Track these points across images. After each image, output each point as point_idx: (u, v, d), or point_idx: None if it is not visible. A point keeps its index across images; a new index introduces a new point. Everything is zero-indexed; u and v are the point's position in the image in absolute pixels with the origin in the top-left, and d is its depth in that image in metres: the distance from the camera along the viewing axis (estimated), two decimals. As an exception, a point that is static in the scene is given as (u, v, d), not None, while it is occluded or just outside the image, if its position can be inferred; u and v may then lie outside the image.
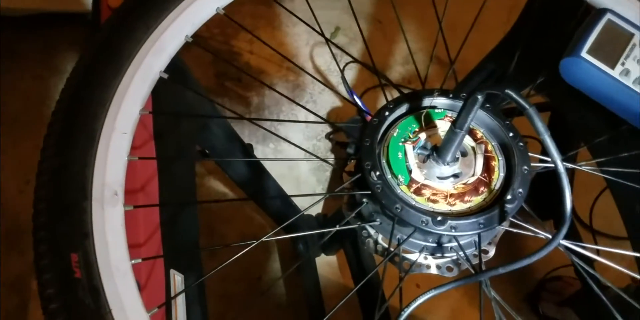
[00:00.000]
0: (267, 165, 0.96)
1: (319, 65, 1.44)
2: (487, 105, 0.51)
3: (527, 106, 0.39)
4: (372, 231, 0.52)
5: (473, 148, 0.49)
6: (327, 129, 1.32)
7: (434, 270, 0.51)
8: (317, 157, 0.53)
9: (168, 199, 0.53)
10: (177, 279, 0.49)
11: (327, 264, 1.16)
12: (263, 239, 0.46)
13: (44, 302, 0.40)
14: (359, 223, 0.51)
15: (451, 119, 0.50)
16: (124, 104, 0.48)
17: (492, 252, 0.51)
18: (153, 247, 0.49)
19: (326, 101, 1.37)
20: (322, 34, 0.58)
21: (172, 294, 0.48)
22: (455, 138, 0.45)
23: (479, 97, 0.41)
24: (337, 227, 0.49)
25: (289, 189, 1.11)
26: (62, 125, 0.47)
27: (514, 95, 0.39)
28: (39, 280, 0.42)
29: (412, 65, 1.44)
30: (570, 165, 0.51)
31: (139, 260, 0.44)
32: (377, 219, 0.49)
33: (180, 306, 0.49)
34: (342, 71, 1.37)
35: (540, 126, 0.39)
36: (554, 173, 0.40)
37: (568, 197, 0.39)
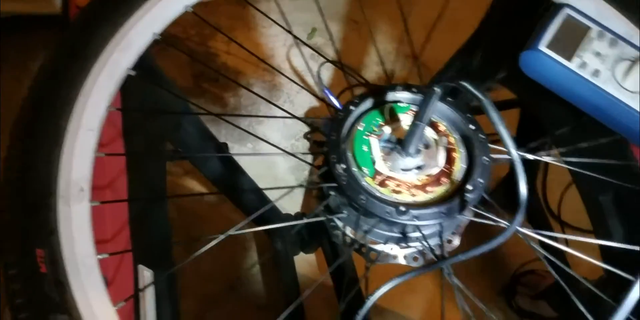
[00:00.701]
0: (245, 165, 0.97)
1: (296, 66, 1.44)
2: (449, 99, 0.52)
3: (481, 97, 0.40)
4: (340, 224, 0.53)
5: (436, 141, 0.50)
6: (305, 128, 1.33)
7: (401, 261, 0.52)
8: (285, 152, 0.54)
9: (137, 195, 0.53)
10: (146, 274, 0.50)
11: (306, 262, 1.16)
12: (230, 232, 0.46)
13: (9, 297, 0.40)
14: (326, 215, 0.52)
15: (414, 113, 0.51)
16: (90, 101, 0.49)
17: (456, 241, 0.52)
18: (121, 243, 0.50)
19: (304, 101, 1.38)
20: (290, 32, 0.59)
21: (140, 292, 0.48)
22: (416, 130, 0.46)
23: (437, 90, 0.42)
24: (305, 220, 0.50)
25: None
26: (28, 122, 0.47)
27: (468, 87, 0.41)
28: (4, 276, 0.42)
29: (390, 64, 1.46)
30: (529, 156, 0.53)
31: (106, 255, 0.44)
32: (344, 211, 0.50)
33: (149, 301, 0.49)
34: (318, 72, 1.38)
35: (494, 116, 0.40)
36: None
37: (522, 184, 0.40)
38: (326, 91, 1.22)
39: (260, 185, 0.96)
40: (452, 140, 0.51)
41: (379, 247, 0.52)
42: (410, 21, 1.34)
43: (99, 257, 0.44)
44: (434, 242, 0.50)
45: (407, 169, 0.49)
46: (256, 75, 1.42)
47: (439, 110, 0.52)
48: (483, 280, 1.14)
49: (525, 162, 0.42)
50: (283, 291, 1.05)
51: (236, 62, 1.44)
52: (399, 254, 0.52)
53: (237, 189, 0.84)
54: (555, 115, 0.61)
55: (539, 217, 1.01)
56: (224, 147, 0.90)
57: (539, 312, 1.04)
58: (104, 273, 0.44)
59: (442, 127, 0.51)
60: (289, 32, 0.60)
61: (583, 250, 0.51)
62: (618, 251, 0.58)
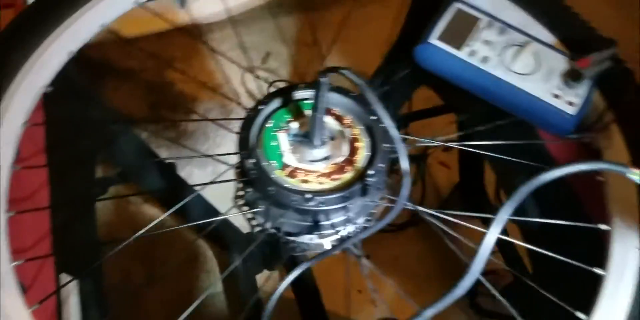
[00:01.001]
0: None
1: (252, 89, 1.48)
2: (352, 93, 0.55)
3: (359, 82, 0.43)
4: (261, 220, 0.54)
5: (341, 132, 0.53)
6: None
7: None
8: (207, 155, 0.56)
9: (59, 206, 0.55)
10: (67, 280, 0.51)
11: (271, 279, 1.17)
12: (141, 233, 0.48)
13: None
14: (246, 209, 0.53)
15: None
16: (6, 117, 0.51)
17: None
18: (42, 251, 0.51)
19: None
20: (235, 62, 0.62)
21: (62, 297, 0.49)
22: (316, 121, 0.49)
23: (323, 80, 0.45)
24: (222, 216, 0.52)
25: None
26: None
27: (348, 74, 0.43)
28: None
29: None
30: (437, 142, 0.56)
31: (21, 262, 0.45)
32: (261, 205, 0.52)
33: (73, 308, 0.50)
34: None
35: (372, 98, 0.43)
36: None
37: (404, 160, 0.43)
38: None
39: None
40: (356, 131, 0.53)
41: (301, 239, 0.54)
42: (358, 41, 1.39)
43: (15, 263, 0.45)
44: (348, 228, 0.52)
45: (315, 160, 0.51)
46: (214, 101, 1.45)
47: (344, 105, 0.55)
48: (445, 282, 1.15)
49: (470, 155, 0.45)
50: (245, 311, 1.05)
51: (193, 88, 1.47)
52: (325, 242, 0.54)
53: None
54: (463, 105, 0.64)
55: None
56: (172, 167, 0.92)
57: (500, 311, 1.05)
58: (22, 279, 0.45)
59: (347, 120, 0.54)
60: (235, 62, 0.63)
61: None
62: (535, 231, 0.61)
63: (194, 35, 1.39)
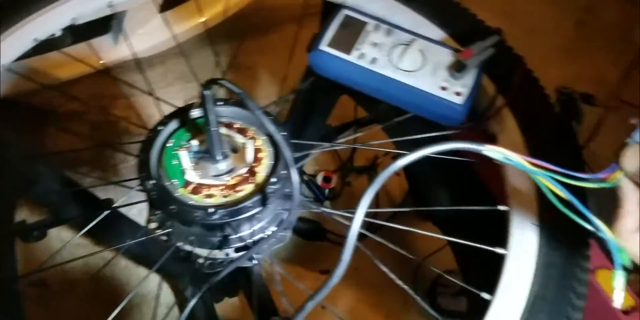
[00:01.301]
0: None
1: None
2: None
3: (238, 91, 0.44)
4: (174, 240, 0.54)
5: (243, 144, 0.54)
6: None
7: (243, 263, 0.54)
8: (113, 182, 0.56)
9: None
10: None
11: (230, 305, 1.16)
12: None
13: None
14: (157, 231, 0.53)
15: (224, 124, 0.55)
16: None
17: (288, 234, 0.55)
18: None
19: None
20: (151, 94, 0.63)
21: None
22: (212, 135, 0.50)
23: (206, 93, 0.46)
24: (130, 241, 0.52)
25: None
26: None
27: (226, 84, 0.45)
28: None
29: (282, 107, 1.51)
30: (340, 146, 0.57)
31: None
32: (168, 225, 0.52)
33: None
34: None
35: (250, 104, 0.44)
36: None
37: (289, 158, 0.44)
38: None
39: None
40: (259, 142, 0.54)
41: (217, 255, 0.54)
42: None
43: None
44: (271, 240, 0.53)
45: (219, 174, 0.52)
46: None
47: (246, 117, 0.56)
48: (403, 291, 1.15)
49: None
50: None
51: (134, 127, 1.47)
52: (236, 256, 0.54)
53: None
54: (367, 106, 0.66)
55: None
56: (107, 202, 0.91)
57: (461, 309, 1.06)
58: None
59: (250, 132, 0.55)
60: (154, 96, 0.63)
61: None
62: (445, 216, 0.62)
63: (112, 75, 1.38)
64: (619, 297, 0.34)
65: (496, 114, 0.55)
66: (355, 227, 0.36)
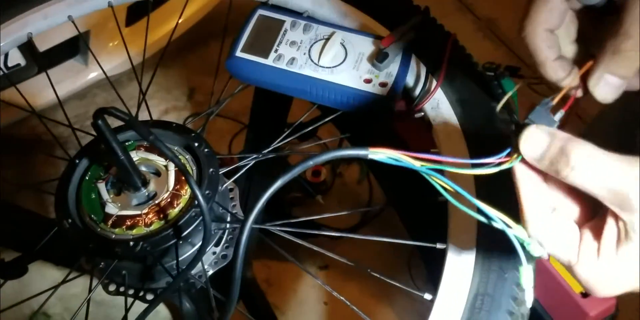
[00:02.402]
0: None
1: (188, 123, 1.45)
2: (174, 124, 0.53)
3: (125, 117, 0.41)
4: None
5: (165, 166, 0.51)
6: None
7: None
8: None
9: None
10: None
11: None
12: None
13: None
14: (89, 268, 0.51)
15: (144, 147, 0.52)
16: None
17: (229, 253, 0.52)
18: None
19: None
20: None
21: None
22: (121, 163, 0.47)
23: (99, 122, 0.43)
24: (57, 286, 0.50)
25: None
26: None
27: (115, 112, 0.42)
28: None
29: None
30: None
31: None
32: (98, 263, 0.50)
33: None
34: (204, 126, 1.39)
35: (141, 130, 0.41)
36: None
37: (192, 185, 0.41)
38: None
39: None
40: (183, 161, 0.51)
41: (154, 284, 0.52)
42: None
43: None
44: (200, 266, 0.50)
45: (142, 202, 0.49)
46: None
47: (166, 136, 0.53)
48: (407, 280, 1.12)
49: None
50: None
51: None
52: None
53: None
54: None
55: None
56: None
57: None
58: None
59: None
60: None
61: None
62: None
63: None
64: (530, 297, 0.31)
65: (428, 98, 0.51)
66: (240, 250, 0.33)
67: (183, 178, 0.50)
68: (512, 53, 1.41)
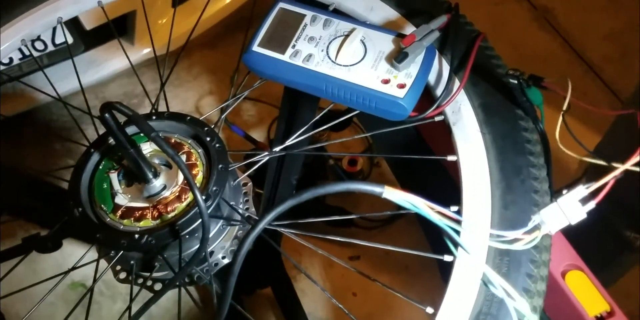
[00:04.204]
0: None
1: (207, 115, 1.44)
2: (189, 117, 0.53)
3: (129, 113, 0.41)
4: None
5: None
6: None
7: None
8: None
9: None
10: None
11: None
12: None
13: None
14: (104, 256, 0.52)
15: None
16: None
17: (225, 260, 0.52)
18: None
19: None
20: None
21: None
22: (131, 156, 0.47)
23: (107, 116, 0.43)
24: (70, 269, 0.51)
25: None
26: None
27: (121, 107, 0.42)
28: None
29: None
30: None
31: None
32: (107, 252, 0.51)
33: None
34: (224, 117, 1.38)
35: (144, 126, 0.41)
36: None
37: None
38: (235, 128, 1.25)
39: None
40: (194, 155, 0.51)
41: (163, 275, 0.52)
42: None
43: None
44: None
45: (152, 195, 0.49)
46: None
47: (183, 130, 0.53)
48: (435, 274, 1.10)
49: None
50: None
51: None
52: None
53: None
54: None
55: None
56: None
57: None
58: None
59: (185, 146, 0.52)
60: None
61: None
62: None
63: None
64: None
65: (449, 101, 0.48)
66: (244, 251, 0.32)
67: (195, 172, 0.50)
68: (568, 46, 1.33)
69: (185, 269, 0.45)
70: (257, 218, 0.53)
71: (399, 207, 0.33)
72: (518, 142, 0.43)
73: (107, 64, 1.36)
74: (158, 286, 0.52)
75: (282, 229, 0.49)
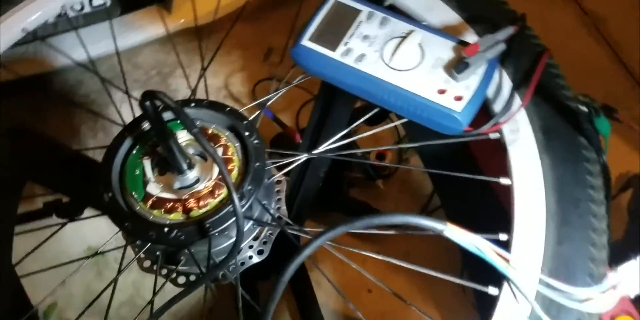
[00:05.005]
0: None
1: (236, 93, 1.42)
2: (228, 108, 0.51)
3: (173, 105, 0.39)
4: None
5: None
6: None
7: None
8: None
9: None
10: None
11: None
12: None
13: None
14: (126, 243, 0.51)
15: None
16: None
17: (255, 258, 0.51)
18: None
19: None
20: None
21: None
22: (169, 146, 0.45)
23: (147, 105, 0.41)
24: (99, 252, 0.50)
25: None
26: None
27: (163, 98, 0.40)
28: None
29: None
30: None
31: None
32: (134, 241, 0.50)
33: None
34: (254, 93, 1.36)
35: (187, 121, 0.39)
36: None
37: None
38: (266, 111, 1.22)
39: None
40: (231, 150, 0.49)
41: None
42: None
43: None
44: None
45: (184, 186, 0.48)
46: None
47: (222, 120, 0.51)
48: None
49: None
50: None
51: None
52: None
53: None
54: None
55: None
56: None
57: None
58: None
59: (222, 138, 0.50)
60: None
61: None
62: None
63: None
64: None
65: (508, 119, 0.46)
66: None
67: (230, 167, 0.48)
68: (617, 58, 1.27)
69: (214, 270, 0.43)
70: (288, 220, 0.51)
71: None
72: (579, 172, 0.41)
73: (141, 30, 1.34)
74: (181, 279, 0.51)
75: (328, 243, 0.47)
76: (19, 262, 0.59)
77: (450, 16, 0.52)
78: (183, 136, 0.50)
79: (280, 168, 0.54)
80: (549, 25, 1.33)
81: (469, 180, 0.44)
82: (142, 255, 0.51)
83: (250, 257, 0.51)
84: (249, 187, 0.46)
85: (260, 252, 0.52)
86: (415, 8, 0.54)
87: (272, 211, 0.51)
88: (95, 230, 1.11)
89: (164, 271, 0.51)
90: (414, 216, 0.27)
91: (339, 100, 0.65)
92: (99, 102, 1.39)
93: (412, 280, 1.11)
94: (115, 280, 0.48)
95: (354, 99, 0.65)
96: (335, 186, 1.12)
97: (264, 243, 0.52)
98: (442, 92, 0.45)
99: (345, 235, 1.15)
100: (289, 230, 0.48)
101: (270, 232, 0.52)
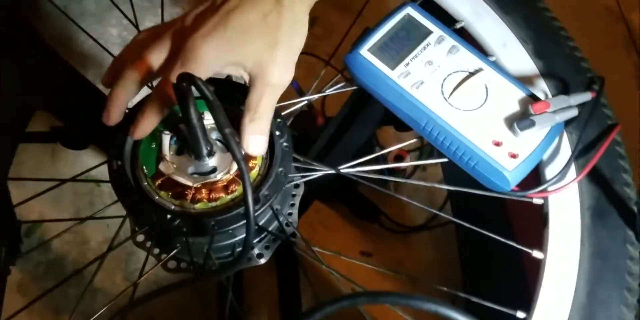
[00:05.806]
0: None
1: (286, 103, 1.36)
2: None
3: (209, 95, 0.36)
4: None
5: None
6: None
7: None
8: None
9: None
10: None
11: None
12: None
13: None
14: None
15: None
16: None
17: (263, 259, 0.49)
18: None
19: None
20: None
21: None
22: (193, 131, 0.42)
23: (182, 87, 0.38)
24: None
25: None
26: None
27: (201, 85, 0.36)
28: None
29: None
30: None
31: None
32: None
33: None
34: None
35: (218, 114, 0.36)
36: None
37: (248, 186, 0.36)
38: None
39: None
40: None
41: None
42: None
43: None
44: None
45: (199, 173, 0.45)
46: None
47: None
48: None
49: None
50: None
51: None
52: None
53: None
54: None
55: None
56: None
57: None
58: None
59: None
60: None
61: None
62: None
63: None
64: None
65: (558, 189, 0.42)
66: None
67: (252, 164, 0.45)
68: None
69: (209, 277, 0.41)
70: (296, 231, 0.49)
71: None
72: (619, 269, 0.38)
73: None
74: (172, 264, 0.49)
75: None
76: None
77: (523, 59, 0.48)
78: (210, 118, 0.46)
79: (300, 170, 0.51)
80: (602, 68, 1.26)
81: (497, 240, 0.42)
82: (137, 228, 0.49)
83: (249, 259, 0.49)
84: (266, 193, 0.44)
85: (259, 256, 0.49)
86: (489, 40, 0.50)
87: (281, 219, 0.48)
88: (96, 157, 1.10)
89: (157, 251, 0.49)
90: (446, 308, 0.24)
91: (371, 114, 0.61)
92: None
93: (404, 286, 1.09)
94: (102, 257, 0.46)
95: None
96: (346, 178, 1.09)
97: (266, 248, 0.50)
98: (497, 144, 0.42)
99: (341, 235, 1.13)
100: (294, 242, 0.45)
101: (274, 237, 0.49)
